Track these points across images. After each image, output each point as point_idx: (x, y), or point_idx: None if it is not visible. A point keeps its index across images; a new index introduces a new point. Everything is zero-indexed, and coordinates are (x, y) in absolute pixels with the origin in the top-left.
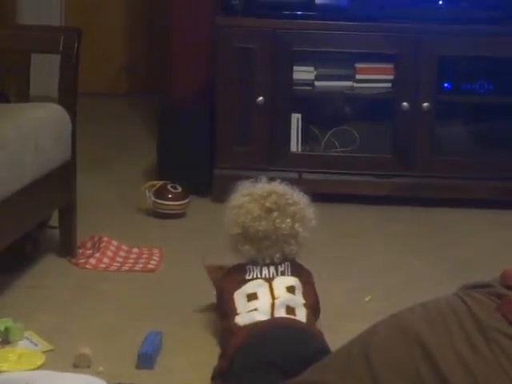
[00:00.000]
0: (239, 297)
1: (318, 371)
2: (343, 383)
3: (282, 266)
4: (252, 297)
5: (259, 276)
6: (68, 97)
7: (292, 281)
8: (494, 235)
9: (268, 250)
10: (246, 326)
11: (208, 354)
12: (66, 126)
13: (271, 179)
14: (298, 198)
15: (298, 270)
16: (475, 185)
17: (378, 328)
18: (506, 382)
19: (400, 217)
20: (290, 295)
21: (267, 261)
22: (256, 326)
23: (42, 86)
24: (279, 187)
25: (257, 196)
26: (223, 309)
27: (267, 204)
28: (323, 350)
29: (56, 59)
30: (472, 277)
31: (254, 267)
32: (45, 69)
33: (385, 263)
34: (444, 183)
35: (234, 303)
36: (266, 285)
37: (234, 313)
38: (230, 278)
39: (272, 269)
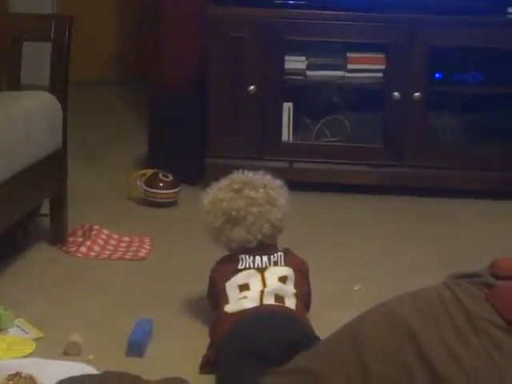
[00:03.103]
0: (231, 287)
1: (306, 359)
2: (331, 371)
3: (275, 255)
4: (244, 287)
5: (252, 266)
6: (59, 85)
7: (284, 271)
8: (485, 225)
9: (255, 225)
10: (233, 314)
11: (198, 343)
12: (56, 114)
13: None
14: (260, 174)
15: (291, 260)
16: (466, 175)
17: (366, 317)
18: (494, 370)
19: (390, 206)
20: (280, 284)
21: (259, 236)
22: (242, 314)
23: (34, 74)
24: (237, 174)
25: (222, 186)
26: (214, 298)
27: (235, 186)
28: (309, 336)
29: (47, 47)
30: (462, 266)
31: (247, 256)
32: (36, 57)
33: (375, 252)
34: (435, 173)
35: (225, 293)
36: (259, 275)
37: (225, 302)
38: (222, 268)
39: (265, 258)
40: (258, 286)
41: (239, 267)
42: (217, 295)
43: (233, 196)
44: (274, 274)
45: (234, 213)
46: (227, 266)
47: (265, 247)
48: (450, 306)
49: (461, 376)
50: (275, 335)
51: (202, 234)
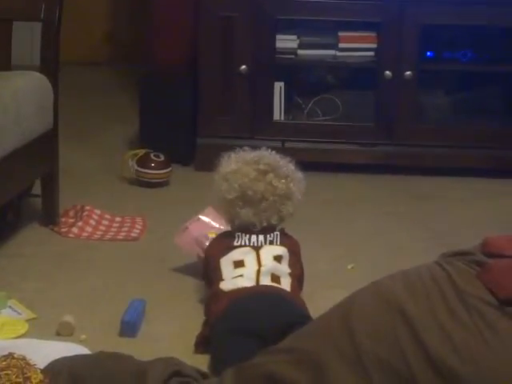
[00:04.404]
0: (226, 263)
1: (298, 339)
2: (323, 349)
3: (271, 235)
4: (239, 264)
5: (247, 243)
6: (50, 65)
7: (280, 250)
8: (478, 203)
9: (266, 212)
10: (229, 292)
11: (191, 322)
12: (47, 94)
13: (254, 148)
14: (286, 162)
15: (286, 240)
16: (458, 153)
17: (358, 295)
18: (485, 349)
19: (383, 185)
20: (276, 264)
21: (264, 223)
22: (238, 293)
23: (24, 54)
24: (267, 153)
25: (249, 160)
26: (209, 275)
27: (261, 167)
28: (304, 318)
29: (38, 27)
30: (455, 245)
31: (243, 234)
32: (27, 37)
33: (368, 232)
34: (427, 152)
35: (219, 269)
36: (254, 252)
37: (220, 279)
38: (217, 244)
39: (261, 237)
40: (254, 263)
41: (234, 244)
42: (211, 271)
43: (256, 177)
44: (269, 252)
45: (251, 193)
46: (223, 242)
47: (263, 228)
48: (441, 284)
49: (453, 355)
50: (271, 316)
51: (194, 212)
